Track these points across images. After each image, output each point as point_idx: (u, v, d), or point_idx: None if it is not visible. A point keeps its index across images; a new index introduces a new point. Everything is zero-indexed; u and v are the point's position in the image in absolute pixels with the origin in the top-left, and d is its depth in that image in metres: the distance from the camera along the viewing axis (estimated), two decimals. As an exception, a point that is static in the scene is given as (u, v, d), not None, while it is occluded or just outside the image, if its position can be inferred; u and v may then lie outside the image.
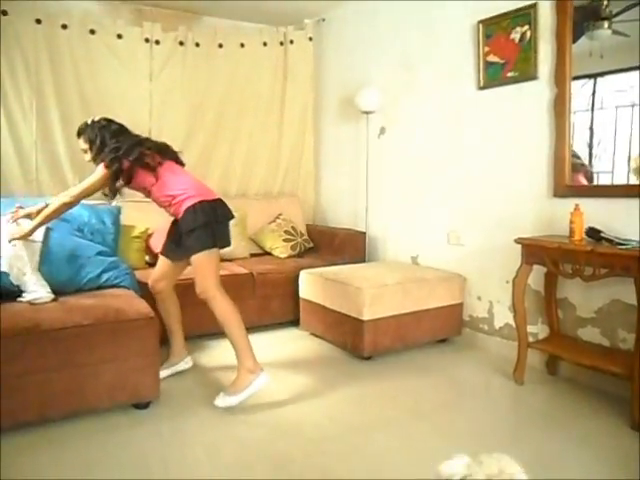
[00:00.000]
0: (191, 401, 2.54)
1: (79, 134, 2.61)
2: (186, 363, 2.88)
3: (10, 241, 2.45)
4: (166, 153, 2.64)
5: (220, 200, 2.59)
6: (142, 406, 2.42)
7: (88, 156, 2.60)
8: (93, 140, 2.56)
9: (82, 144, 2.60)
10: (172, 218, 2.67)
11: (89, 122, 2.61)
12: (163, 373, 2.70)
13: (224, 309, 2.52)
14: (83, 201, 2.60)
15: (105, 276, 2.77)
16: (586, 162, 2.85)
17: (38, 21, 3.61)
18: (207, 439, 2.21)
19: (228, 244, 2.66)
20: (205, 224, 2.47)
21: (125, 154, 2.48)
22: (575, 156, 2.82)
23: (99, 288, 2.73)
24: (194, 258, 2.51)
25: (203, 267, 2.51)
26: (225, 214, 2.60)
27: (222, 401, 2.43)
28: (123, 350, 2.32)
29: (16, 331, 2.12)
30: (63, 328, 2.20)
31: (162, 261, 2.80)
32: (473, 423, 2.34)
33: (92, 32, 3.81)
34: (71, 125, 3.76)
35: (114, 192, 2.56)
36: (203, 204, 2.49)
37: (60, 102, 3.74)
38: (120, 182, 2.52)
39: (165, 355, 2.79)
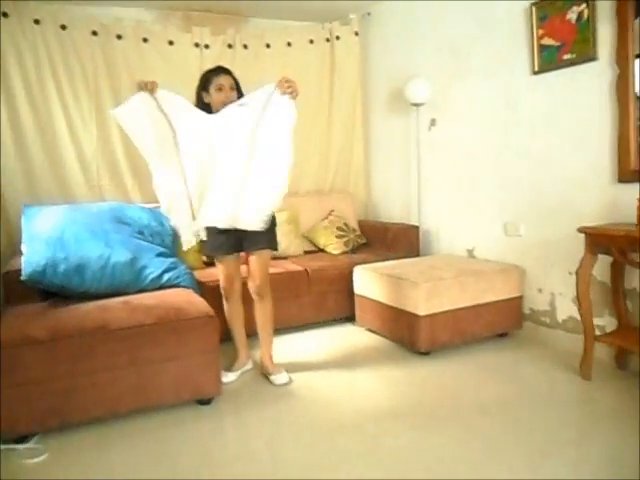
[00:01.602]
0: (252, 397, 2.59)
1: (227, 72, 2.65)
2: (250, 363, 2.94)
3: None
4: None
5: None
6: (205, 402, 2.48)
7: (230, 93, 2.60)
8: (239, 85, 2.68)
9: (230, 80, 2.64)
10: None
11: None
12: (233, 375, 2.78)
13: (272, 305, 2.80)
14: (142, 204, 2.71)
15: (166, 276, 2.86)
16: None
17: (94, 33, 3.76)
18: (268, 434, 2.25)
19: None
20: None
21: None
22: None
23: (160, 288, 2.82)
24: (264, 253, 2.69)
25: (268, 264, 2.79)
26: None
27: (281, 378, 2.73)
28: (185, 348, 2.39)
29: (85, 331, 2.23)
30: (128, 327, 2.29)
31: (225, 262, 2.74)
32: (539, 420, 2.26)
33: (145, 40, 3.94)
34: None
35: None
36: None
37: (117, 110, 3.88)
38: None
39: (228, 356, 2.83)
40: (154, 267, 2.84)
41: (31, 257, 2.62)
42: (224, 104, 2.54)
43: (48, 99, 3.67)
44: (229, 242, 2.63)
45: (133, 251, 2.82)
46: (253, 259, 2.70)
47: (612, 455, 1.97)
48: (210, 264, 3.51)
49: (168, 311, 2.41)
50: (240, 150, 2.48)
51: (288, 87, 2.41)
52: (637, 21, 2.59)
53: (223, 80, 2.61)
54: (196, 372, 2.42)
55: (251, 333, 2.93)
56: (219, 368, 2.53)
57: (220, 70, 2.66)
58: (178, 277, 2.90)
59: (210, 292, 2.95)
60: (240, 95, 2.66)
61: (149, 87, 2.45)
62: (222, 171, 2.50)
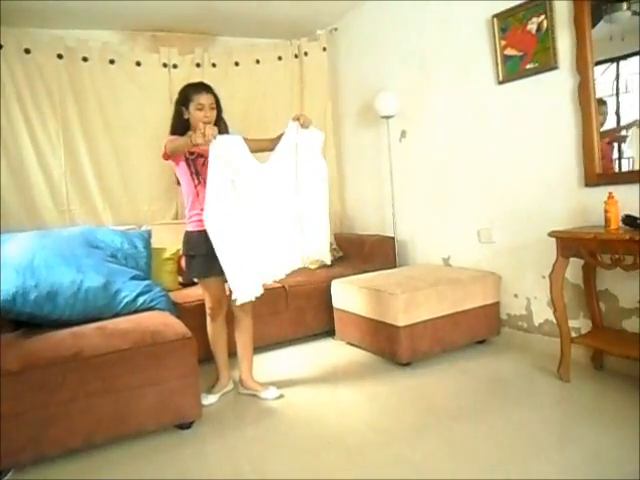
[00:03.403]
0: (234, 418, 2.56)
1: (208, 90, 2.64)
2: (231, 384, 2.89)
3: None
4: None
5: None
6: (186, 426, 2.43)
7: (210, 113, 2.61)
8: (219, 102, 2.69)
9: (211, 99, 2.63)
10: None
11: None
12: (214, 397, 2.73)
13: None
14: (114, 227, 2.66)
15: (141, 299, 2.81)
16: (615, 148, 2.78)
17: (60, 56, 3.72)
18: (252, 454, 2.21)
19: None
20: None
21: None
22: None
23: (136, 311, 2.77)
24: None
25: None
26: None
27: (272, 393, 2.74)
28: (163, 371, 2.34)
29: (58, 359, 2.16)
30: (103, 354, 2.23)
31: (214, 284, 2.67)
32: (520, 425, 2.27)
33: (112, 62, 3.92)
34: (97, 153, 3.89)
35: None
36: None
37: (85, 131, 3.85)
38: None
39: (207, 378, 2.78)
40: (128, 290, 2.79)
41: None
42: (203, 123, 2.53)
43: (14, 124, 3.62)
44: (218, 264, 2.49)
45: (106, 275, 2.77)
46: None
47: (594, 455, 1.99)
48: (186, 285, 3.48)
49: (144, 335, 2.36)
50: (286, 193, 2.60)
51: (303, 120, 2.60)
52: (594, 30, 2.67)
53: (204, 99, 2.60)
54: (175, 396, 2.37)
55: (231, 352, 2.89)
56: (199, 391, 2.48)
57: (201, 87, 2.65)
58: (153, 300, 2.85)
59: (187, 313, 2.91)
60: (219, 113, 2.67)
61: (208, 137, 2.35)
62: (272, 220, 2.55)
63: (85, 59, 3.82)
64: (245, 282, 2.44)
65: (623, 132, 2.72)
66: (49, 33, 3.73)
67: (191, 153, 2.58)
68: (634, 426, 2.16)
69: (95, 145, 3.87)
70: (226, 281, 2.53)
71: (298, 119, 2.60)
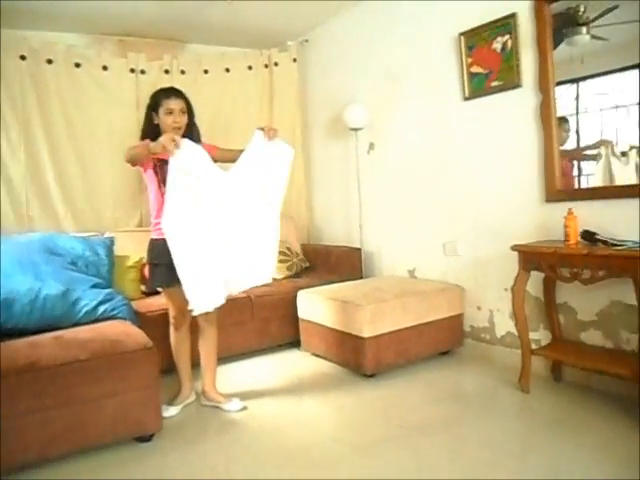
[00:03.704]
0: (194, 431, 2.50)
1: (178, 95, 2.59)
2: (193, 396, 2.83)
3: None
4: None
5: None
6: (146, 439, 2.37)
7: (179, 118, 2.57)
8: (191, 106, 2.64)
9: (182, 104, 2.59)
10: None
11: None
12: (175, 409, 2.67)
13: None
14: (76, 234, 2.58)
15: (101, 308, 2.74)
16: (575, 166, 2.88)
17: (23, 57, 3.63)
18: (213, 469, 2.16)
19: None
20: None
21: None
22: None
23: (96, 321, 2.70)
24: None
25: None
26: None
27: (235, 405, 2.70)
28: (123, 382, 2.28)
29: (13, 370, 2.08)
30: (61, 364, 2.15)
31: (177, 293, 2.51)
32: (482, 436, 2.30)
33: (77, 65, 3.84)
34: (60, 158, 3.79)
35: None
36: None
37: (48, 135, 3.74)
38: None
39: (168, 389, 2.73)
40: (88, 299, 2.72)
41: (-48, 293, 2.45)
42: (173, 128, 2.51)
43: (-28, 126, 3.49)
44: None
45: (65, 283, 2.69)
46: None
47: (554, 464, 2.02)
48: (149, 294, 3.40)
49: (104, 344, 2.30)
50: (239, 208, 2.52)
51: (272, 133, 2.53)
52: (556, 51, 2.77)
53: (173, 104, 2.56)
54: (135, 408, 2.30)
55: (194, 363, 2.84)
56: (159, 402, 2.42)
57: (171, 92, 2.61)
58: (115, 309, 2.78)
59: (149, 323, 2.85)
60: (191, 118, 2.64)
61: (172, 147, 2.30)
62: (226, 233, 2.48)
63: (50, 61, 3.73)
64: (202, 292, 2.39)
65: (587, 151, 2.80)
66: (12, 33, 3.63)
67: (159, 160, 2.52)
68: (591, 436, 2.21)
69: (58, 150, 3.77)
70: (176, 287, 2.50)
71: (263, 129, 2.55)
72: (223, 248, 2.45)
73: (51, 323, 2.59)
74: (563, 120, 2.81)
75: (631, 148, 2.56)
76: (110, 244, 3.22)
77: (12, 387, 2.06)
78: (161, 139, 2.31)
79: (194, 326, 2.75)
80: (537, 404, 2.61)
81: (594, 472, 1.95)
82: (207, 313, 2.56)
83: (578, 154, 2.83)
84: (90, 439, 2.23)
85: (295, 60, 4.61)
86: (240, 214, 2.51)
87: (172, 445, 2.36)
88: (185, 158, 2.32)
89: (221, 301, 2.45)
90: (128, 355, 2.30)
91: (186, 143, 2.34)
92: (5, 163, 3.61)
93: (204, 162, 2.41)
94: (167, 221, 2.35)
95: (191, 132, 2.60)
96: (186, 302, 2.62)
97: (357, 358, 3.03)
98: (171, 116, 2.55)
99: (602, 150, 2.66)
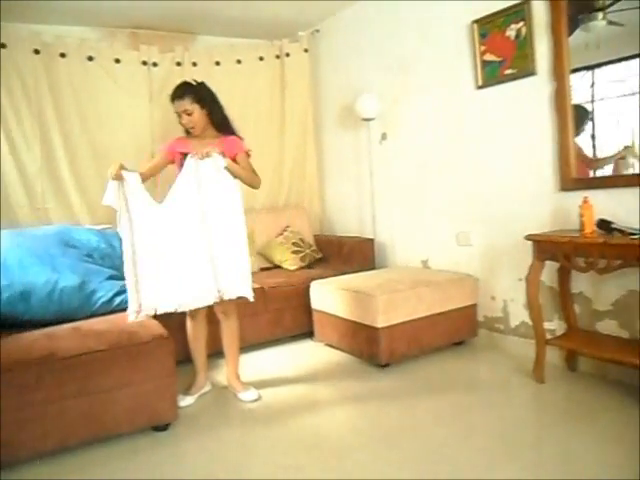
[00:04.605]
0: (210, 420, 2.53)
1: (180, 95, 2.61)
2: (209, 385, 2.87)
3: None
4: None
5: None
6: (161, 428, 2.40)
7: (186, 120, 2.62)
8: (205, 99, 2.64)
9: (184, 105, 2.61)
10: None
11: (193, 83, 2.67)
12: (191, 399, 2.70)
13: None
14: (91, 226, 2.62)
15: (117, 300, 2.78)
16: (590, 154, 2.83)
17: (36, 51, 3.64)
18: (229, 457, 2.19)
19: None
20: None
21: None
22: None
23: (112, 312, 2.73)
24: None
25: None
26: None
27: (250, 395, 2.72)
28: (139, 373, 2.31)
29: (32, 361, 2.12)
30: (78, 355, 2.19)
31: None
32: (496, 425, 2.30)
33: (90, 58, 3.85)
34: (74, 150, 3.82)
35: None
36: None
37: (62, 128, 3.77)
38: None
39: (184, 379, 2.75)
40: (104, 291, 2.75)
41: (-29, 285, 2.49)
42: (187, 128, 2.65)
43: (-13, 120, 3.53)
44: None
45: (82, 275, 2.73)
46: None
47: (567, 455, 2.02)
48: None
49: (120, 336, 2.33)
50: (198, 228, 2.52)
51: (202, 154, 2.48)
52: (571, 38, 2.72)
53: (176, 107, 2.63)
54: (151, 398, 2.34)
55: (211, 353, 2.88)
56: (175, 392, 2.45)
57: (174, 94, 2.66)
58: (130, 300, 2.81)
59: (165, 313, 2.87)
60: (211, 109, 2.66)
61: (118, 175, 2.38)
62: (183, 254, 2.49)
63: (63, 55, 3.75)
64: (133, 300, 2.42)
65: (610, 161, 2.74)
66: (26, 28, 3.65)
67: (182, 154, 2.59)
68: (605, 426, 2.20)
69: (72, 142, 3.79)
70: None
71: (196, 154, 2.49)
72: (171, 269, 2.48)
73: (68, 315, 2.62)
74: (583, 110, 2.77)
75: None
76: (125, 236, 3.24)
77: (31, 378, 2.10)
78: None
79: (213, 316, 2.77)
80: (551, 394, 2.60)
81: (609, 462, 1.94)
82: (224, 305, 2.58)
83: (603, 161, 2.79)
84: (107, 428, 2.27)
85: (306, 50, 4.58)
86: (184, 241, 2.50)
87: (188, 434, 2.39)
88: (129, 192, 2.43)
89: (150, 313, 2.46)
90: (144, 346, 2.33)
91: (131, 177, 2.45)
92: (21, 156, 3.64)
93: (138, 192, 2.50)
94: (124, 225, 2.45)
95: (217, 125, 2.68)
96: None
97: (371, 348, 3.04)
98: (181, 118, 2.64)
99: (629, 158, 2.62)
